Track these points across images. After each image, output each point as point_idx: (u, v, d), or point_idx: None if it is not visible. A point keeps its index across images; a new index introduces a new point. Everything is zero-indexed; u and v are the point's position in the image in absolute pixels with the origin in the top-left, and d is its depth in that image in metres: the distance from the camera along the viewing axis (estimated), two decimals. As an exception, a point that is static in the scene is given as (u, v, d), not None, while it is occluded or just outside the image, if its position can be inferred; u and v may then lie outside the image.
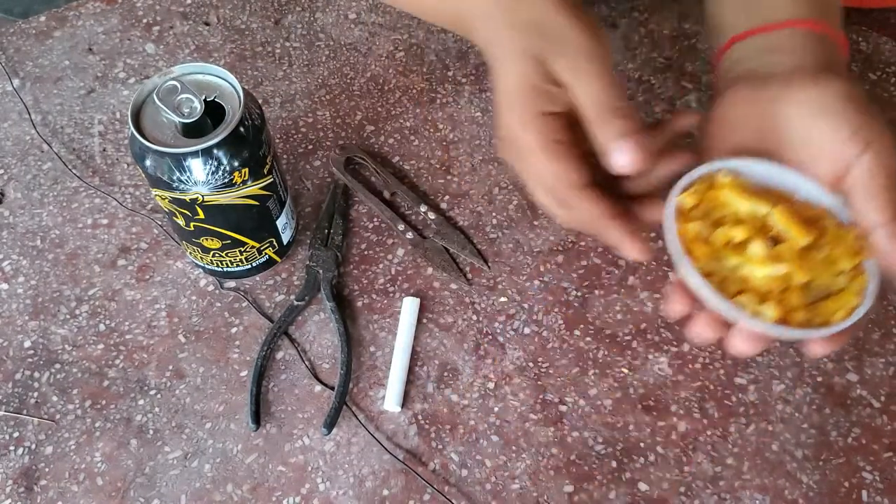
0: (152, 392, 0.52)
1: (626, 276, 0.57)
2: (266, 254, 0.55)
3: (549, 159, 0.41)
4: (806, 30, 0.45)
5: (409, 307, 0.54)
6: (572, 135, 0.42)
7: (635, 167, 0.40)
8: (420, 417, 0.51)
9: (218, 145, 0.46)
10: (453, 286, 0.56)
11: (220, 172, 0.47)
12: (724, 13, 0.49)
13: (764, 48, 0.45)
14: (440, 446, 0.50)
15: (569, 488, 0.49)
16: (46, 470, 0.50)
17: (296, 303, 0.55)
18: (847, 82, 0.41)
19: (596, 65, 0.41)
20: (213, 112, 0.47)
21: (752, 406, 0.51)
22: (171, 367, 0.53)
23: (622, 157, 0.40)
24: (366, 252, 0.58)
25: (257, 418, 0.51)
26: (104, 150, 0.63)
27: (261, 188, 0.50)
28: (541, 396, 0.52)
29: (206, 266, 0.55)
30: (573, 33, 0.42)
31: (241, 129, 0.47)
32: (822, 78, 0.42)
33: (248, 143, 0.47)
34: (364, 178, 0.62)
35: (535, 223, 0.59)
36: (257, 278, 0.57)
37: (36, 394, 0.52)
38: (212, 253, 0.53)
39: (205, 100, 0.47)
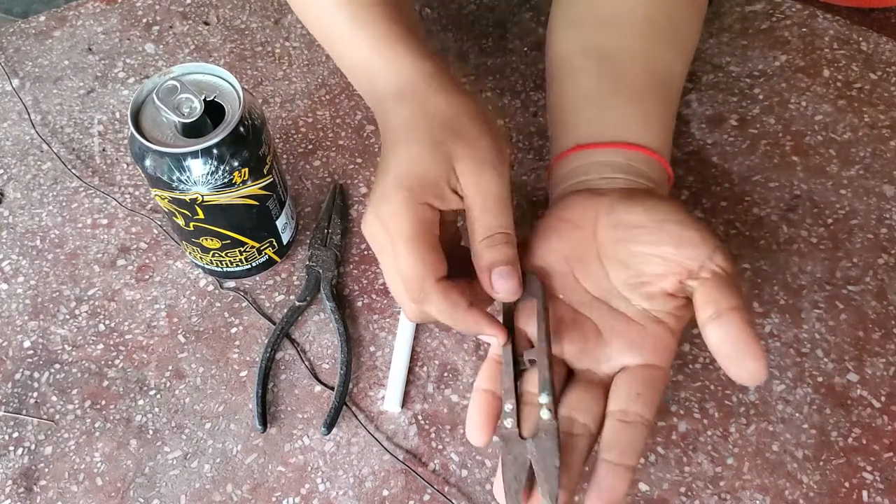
0: (152, 392, 0.52)
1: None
2: (266, 254, 0.55)
3: (417, 250, 0.40)
4: (647, 156, 0.47)
5: (405, 324, 0.54)
6: (441, 232, 0.42)
7: (515, 295, 0.42)
8: (420, 417, 0.51)
9: (218, 145, 0.46)
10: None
11: (220, 172, 0.46)
12: (571, 113, 0.50)
13: (603, 162, 0.47)
14: (440, 446, 0.50)
15: (569, 488, 0.49)
16: (46, 470, 0.50)
17: (297, 303, 0.54)
18: (677, 202, 0.44)
19: (496, 183, 0.41)
20: (213, 112, 0.47)
21: (753, 406, 0.51)
22: (170, 368, 0.53)
23: (505, 283, 0.41)
24: (366, 252, 0.58)
25: (264, 420, 0.50)
26: (104, 149, 0.63)
27: (261, 188, 0.50)
28: (541, 396, 0.52)
29: (206, 266, 0.55)
30: (483, 143, 0.42)
31: (241, 129, 0.47)
32: (658, 193, 0.45)
33: (248, 143, 0.47)
34: (364, 178, 0.62)
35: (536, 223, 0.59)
36: (257, 278, 0.57)
37: (35, 394, 0.52)
38: (211, 253, 0.53)
39: (204, 100, 0.47)
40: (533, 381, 0.41)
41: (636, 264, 0.41)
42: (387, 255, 0.41)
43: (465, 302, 0.41)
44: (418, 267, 0.40)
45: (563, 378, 0.43)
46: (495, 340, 0.43)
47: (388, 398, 0.51)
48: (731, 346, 0.38)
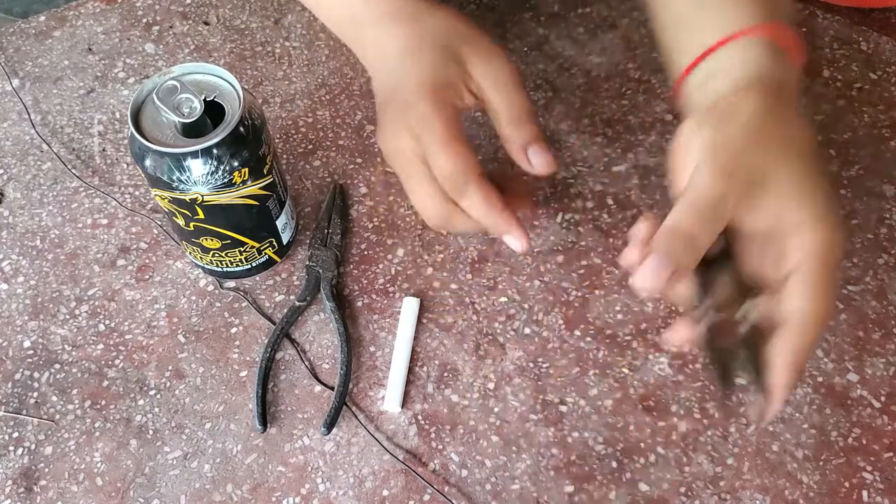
0: (152, 392, 0.52)
1: (627, 276, 0.56)
2: (266, 254, 0.55)
3: (457, 147, 0.43)
4: (745, 40, 0.43)
5: (409, 307, 0.54)
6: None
7: (552, 167, 0.45)
8: (420, 417, 0.51)
9: (218, 145, 0.46)
10: (453, 286, 0.56)
11: (220, 172, 0.46)
12: (676, 37, 0.48)
13: (707, 74, 0.44)
14: (440, 446, 0.50)
15: (569, 488, 0.49)
16: (46, 470, 0.50)
17: (297, 303, 0.54)
18: (769, 96, 0.40)
19: (508, 70, 0.45)
20: (213, 112, 0.47)
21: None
22: (170, 368, 0.53)
23: (540, 158, 0.45)
24: (365, 252, 0.58)
25: (264, 420, 0.50)
26: (104, 149, 0.63)
27: (261, 188, 0.50)
28: (541, 397, 0.52)
29: (206, 266, 0.55)
30: (485, 42, 0.46)
31: (241, 129, 0.47)
32: (740, 97, 0.41)
33: (248, 143, 0.47)
34: (364, 178, 0.62)
35: (536, 223, 0.59)
36: (257, 278, 0.57)
37: (35, 394, 0.52)
38: (211, 253, 0.53)
39: (204, 100, 0.47)
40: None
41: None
42: (416, 166, 0.44)
43: (499, 202, 0.44)
44: (461, 163, 0.43)
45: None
46: (518, 244, 0.45)
47: (388, 398, 0.51)
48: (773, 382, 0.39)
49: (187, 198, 0.48)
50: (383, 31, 0.47)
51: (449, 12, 0.47)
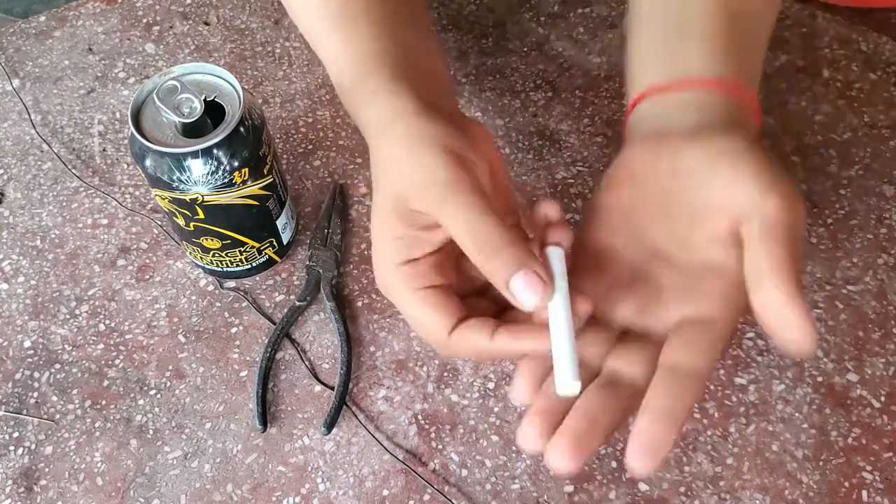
0: (152, 392, 0.52)
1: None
2: (266, 254, 0.55)
3: (418, 308, 0.38)
4: (717, 91, 0.43)
5: (555, 258, 0.39)
6: (444, 268, 0.39)
7: (544, 301, 0.36)
8: (420, 417, 0.51)
9: (218, 145, 0.46)
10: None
11: (220, 172, 0.47)
12: (642, 62, 0.47)
13: (673, 106, 0.43)
14: (440, 446, 0.50)
15: (569, 488, 0.49)
16: (46, 470, 0.50)
17: (297, 303, 0.55)
18: (751, 137, 0.39)
19: (465, 192, 0.36)
20: (213, 112, 0.47)
21: (753, 406, 0.51)
22: (170, 367, 0.53)
23: (529, 294, 0.35)
24: (366, 252, 0.58)
25: (264, 420, 0.51)
26: (104, 149, 0.63)
27: (261, 188, 0.50)
28: (541, 396, 0.52)
29: (206, 266, 0.55)
30: (442, 161, 0.37)
31: (241, 129, 0.47)
32: (727, 130, 0.40)
33: (248, 143, 0.47)
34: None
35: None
36: (257, 278, 0.57)
37: (36, 394, 0.52)
38: (212, 253, 0.53)
39: (205, 100, 0.47)
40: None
41: (694, 212, 0.39)
42: (401, 310, 0.40)
43: (486, 337, 0.37)
44: (428, 322, 0.38)
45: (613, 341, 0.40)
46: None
47: (563, 375, 0.35)
48: (776, 316, 0.34)
49: (187, 198, 0.48)
50: (372, 149, 0.42)
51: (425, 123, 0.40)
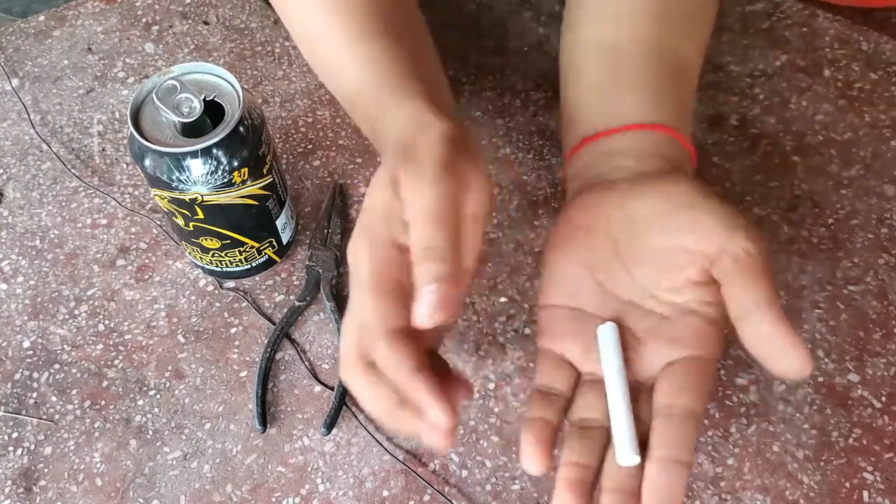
0: (152, 392, 0.52)
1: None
2: (265, 254, 0.55)
3: (372, 294, 0.35)
4: (656, 131, 0.43)
5: (606, 336, 0.40)
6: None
7: (435, 320, 0.33)
8: (420, 418, 0.51)
9: (217, 145, 0.46)
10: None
11: (220, 172, 0.46)
12: (578, 107, 0.47)
13: (611, 151, 0.44)
14: (440, 447, 0.50)
15: (569, 489, 0.49)
16: (45, 470, 0.49)
17: (297, 303, 0.54)
18: (695, 180, 0.40)
19: (433, 193, 0.35)
20: (213, 111, 0.47)
21: (753, 406, 0.51)
22: (170, 368, 0.53)
23: (423, 308, 0.33)
24: (366, 252, 0.58)
25: (264, 420, 0.50)
26: (103, 149, 0.63)
27: (260, 188, 0.50)
28: (541, 397, 0.52)
29: (206, 266, 0.55)
30: (427, 160, 0.36)
31: (241, 129, 0.47)
32: (670, 175, 0.41)
33: (248, 143, 0.47)
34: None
35: (536, 223, 0.59)
36: (257, 278, 0.57)
37: (35, 394, 0.52)
38: (211, 253, 0.53)
39: (204, 99, 0.47)
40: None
41: (656, 259, 0.39)
42: (351, 301, 0.37)
43: (413, 362, 0.34)
44: (375, 311, 0.35)
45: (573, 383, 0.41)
46: (441, 423, 0.34)
47: (622, 448, 0.37)
48: (765, 346, 0.35)
49: (187, 198, 0.48)
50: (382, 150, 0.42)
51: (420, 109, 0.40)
